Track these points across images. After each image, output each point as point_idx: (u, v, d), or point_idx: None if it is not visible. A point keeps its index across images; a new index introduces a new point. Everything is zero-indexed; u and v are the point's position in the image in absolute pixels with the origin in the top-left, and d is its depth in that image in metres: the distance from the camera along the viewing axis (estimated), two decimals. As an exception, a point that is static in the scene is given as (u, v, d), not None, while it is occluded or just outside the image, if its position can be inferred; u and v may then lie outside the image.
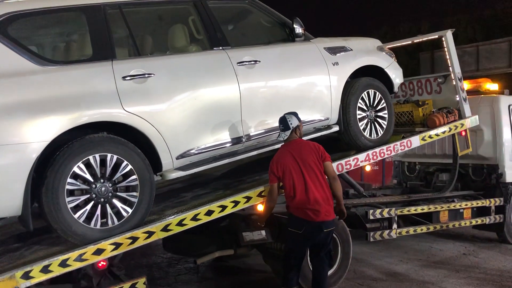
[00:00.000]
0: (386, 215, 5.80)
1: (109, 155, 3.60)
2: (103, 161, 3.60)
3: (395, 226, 5.86)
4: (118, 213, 3.69)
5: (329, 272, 4.67)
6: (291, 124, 4.26)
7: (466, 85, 7.06)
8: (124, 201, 3.71)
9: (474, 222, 6.86)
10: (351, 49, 5.26)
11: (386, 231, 5.80)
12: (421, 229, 6.25)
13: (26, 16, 3.58)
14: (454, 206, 6.58)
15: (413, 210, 6.16)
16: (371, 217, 5.68)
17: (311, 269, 4.45)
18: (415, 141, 5.69)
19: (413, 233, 6.20)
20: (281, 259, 4.52)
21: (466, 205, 6.67)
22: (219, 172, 5.95)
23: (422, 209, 6.24)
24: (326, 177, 4.26)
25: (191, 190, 5.17)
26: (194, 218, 4.00)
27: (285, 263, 4.32)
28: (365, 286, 5.41)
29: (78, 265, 3.46)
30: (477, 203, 6.80)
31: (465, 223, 6.74)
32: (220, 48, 4.36)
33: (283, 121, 4.29)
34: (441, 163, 7.72)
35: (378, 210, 5.73)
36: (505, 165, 7.10)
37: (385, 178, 7.08)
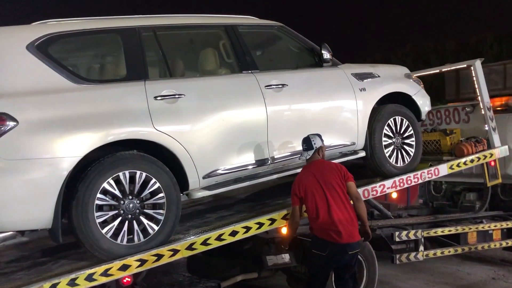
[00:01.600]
0: (412, 237, 5.67)
1: (138, 172, 3.69)
2: (132, 178, 3.68)
3: (421, 248, 5.72)
4: (144, 230, 3.74)
5: None
6: (314, 144, 4.27)
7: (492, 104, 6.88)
8: (150, 218, 3.77)
9: (504, 244, 6.59)
10: (379, 76, 5.29)
11: (413, 253, 5.66)
12: (449, 251, 6.06)
13: (66, 37, 3.76)
14: (483, 227, 6.37)
15: (440, 231, 6.01)
16: (397, 239, 5.56)
17: None
18: (443, 169, 5.62)
19: (441, 255, 6.00)
20: (305, 282, 4.46)
21: (495, 226, 6.45)
22: (243, 195, 5.99)
23: (450, 231, 6.07)
24: (350, 198, 4.23)
25: (215, 211, 5.19)
26: (219, 238, 4.01)
27: (309, 285, 4.26)
28: None
29: (104, 280, 3.49)
30: (507, 224, 6.56)
31: (495, 245, 6.50)
32: (249, 71, 4.45)
33: (307, 141, 4.31)
34: (468, 182, 7.46)
35: (404, 232, 5.61)
36: None
37: (411, 198, 6.92)
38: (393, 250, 5.54)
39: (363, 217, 4.25)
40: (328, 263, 4.15)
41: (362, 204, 4.30)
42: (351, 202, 4.24)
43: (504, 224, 6.54)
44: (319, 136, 4.34)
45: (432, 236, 6.01)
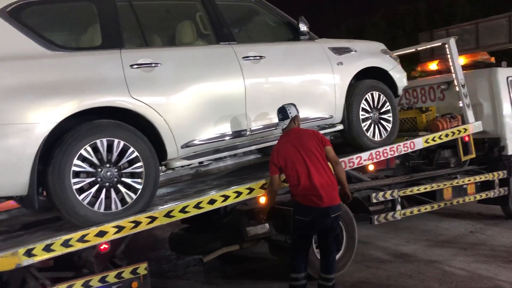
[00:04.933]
0: (389, 197, 5.73)
1: (116, 141, 3.67)
2: (110, 146, 3.66)
3: (399, 207, 5.79)
4: (122, 199, 3.73)
5: (337, 257, 4.67)
6: (290, 113, 4.30)
7: (462, 60, 7.01)
8: (128, 187, 3.76)
9: (478, 197, 6.72)
10: (356, 51, 5.34)
11: (390, 213, 5.73)
12: (425, 208, 6.15)
13: (39, 4, 3.70)
14: (457, 183, 6.47)
15: (415, 190, 6.08)
16: (374, 200, 5.63)
17: (319, 254, 4.44)
18: (418, 143, 5.75)
19: (418, 213, 6.10)
20: (287, 249, 4.51)
21: (469, 180, 6.56)
22: (223, 173, 6.02)
23: (425, 188, 6.17)
24: (329, 162, 4.28)
25: (194, 187, 5.21)
26: (197, 206, 4.02)
27: (293, 250, 4.32)
28: (373, 268, 5.39)
29: (80, 245, 3.48)
30: (480, 178, 6.68)
31: (469, 199, 6.62)
32: (227, 43, 4.45)
33: (282, 110, 4.33)
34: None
35: (381, 193, 5.67)
36: (507, 137, 6.93)
37: (390, 162, 6.97)
38: (370, 212, 5.61)
39: (343, 180, 4.32)
40: (312, 227, 4.21)
41: (341, 167, 4.37)
42: (330, 166, 4.29)
43: (478, 178, 6.65)
44: (294, 105, 4.37)
45: (409, 195, 6.08)
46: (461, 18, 19.48)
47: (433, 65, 7.55)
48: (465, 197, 6.56)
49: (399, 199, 5.84)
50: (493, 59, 7.55)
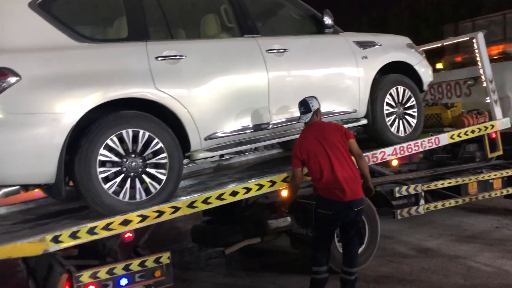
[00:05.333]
0: (412, 191, 5.64)
1: (141, 131, 3.72)
2: (135, 137, 3.72)
3: (422, 202, 5.70)
4: (146, 189, 3.79)
5: (359, 251, 4.65)
6: (312, 106, 4.27)
7: (489, 52, 6.78)
8: (152, 177, 3.81)
9: (505, 192, 6.54)
10: (380, 44, 5.28)
11: (414, 208, 5.64)
12: (450, 203, 6.01)
13: None
14: (483, 177, 6.32)
15: (440, 184, 5.96)
16: (397, 195, 5.55)
17: (342, 248, 4.42)
18: (443, 139, 5.63)
19: (442, 208, 5.98)
20: (308, 243, 4.51)
21: (495, 175, 6.39)
22: (244, 167, 6.04)
23: (450, 183, 6.04)
24: (352, 156, 4.25)
25: (216, 179, 5.24)
26: (219, 197, 4.05)
27: (315, 244, 4.31)
28: (395, 263, 5.34)
29: (105, 233, 3.54)
30: (507, 172, 6.51)
31: (496, 194, 6.45)
32: (250, 35, 4.46)
33: (304, 103, 4.29)
34: None
35: (404, 187, 5.59)
36: None
37: (413, 155, 6.85)
38: (393, 206, 5.54)
39: (366, 174, 4.29)
40: (334, 221, 4.19)
41: (364, 161, 4.33)
42: (353, 159, 4.27)
43: (504, 173, 6.48)
44: (315, 98, 4.34)
45: (433, 189, 5.98)
46: (488, 9, 18.91)
47: (458, 58, 7.40)
48: (491, 192, 6.38)
49: (423, 194, 5.74)
50: None
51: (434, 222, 6.92)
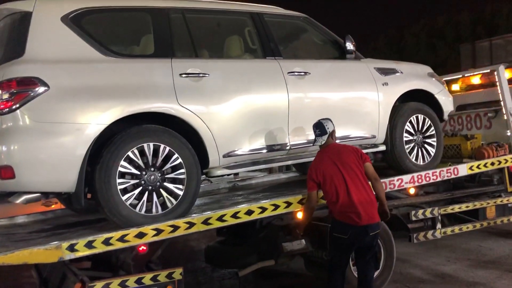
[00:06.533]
0: (429, 215, 5.56)
1: (162, 146, 3.79)
2: (155, 151, 3.78)
3: (439, 225, 5.61)
4: (163, 204, 3.82)
5: (375, 275, 4.54)
6: (328, 128, 4.26)
7: (508, 74, 6.72)
8: (170, 192, 3.85)
9: None
10: (402, 72, 5.32)
11: (430, 232, 5.55)
12: (467, 227, 5.91)
13: (99, 12, 3.93)
14: (501, 201, 6.20)
15: (457, 208, 5.87)
16: (414, 218, 5.47)
17: (357, 272, 4.35)
18: (462, 169, 5.59)
19: (459, 232, 5.89)
20: (323, 266, 4.45)
21: None
22: (259, 188, 6.04)
23: (467, 206, 5.94)
24: (368, 179, 4.23)
25: (231, 199, 5.25)
26: (234, 216, 4.05)
27: (331, 267, 4.25)
28: None
29: (120, 245, 3.55)
30: None
31: None
32: (273, 58, 4.53)
33: (320, 126, 4.29)
34: None
35: (421, 211, 5.50)
36: None
37: None
38: (409, 229, 5.46)
39: (382, 197, 4.24)
40: (350, 245, 4.14)
41: (380, 185, 4.29)
42: (369, 183, 4.24)
43: None
44: (330, 120, 4.33)
45: (450, 213, 5.89)
46: (504, 29, 18.87)
47: (475, 79, 7.34)
48: (509, 216, 6.28)
49: (440, 217, 5.66)
50: None
51: (451, 246, 6.80)
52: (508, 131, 6.23)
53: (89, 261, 4.45)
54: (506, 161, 5.97)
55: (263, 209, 4.22)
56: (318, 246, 4.77)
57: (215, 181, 7.00)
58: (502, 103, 6.31)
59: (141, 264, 4.23)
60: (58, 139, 3.45)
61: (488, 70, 6.72)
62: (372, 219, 4.05)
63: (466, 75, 7.33)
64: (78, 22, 3.76)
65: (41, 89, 3.42)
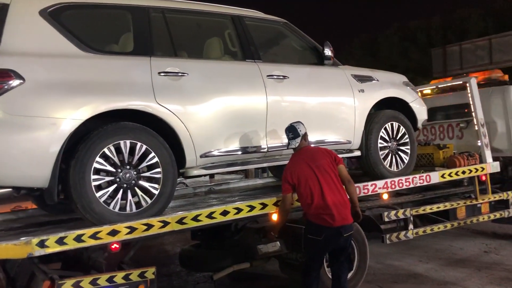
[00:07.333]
0: (401, 216, 5.63)
1: (138, 144, 3.76)
2: (132, 149, 3.75)
3: (411, 226, 5.69)
4: (137, 203, 3.79)
5: (348, 276, 4.58)
6: (300, 131, 4.29)
7: (476, 77, 6.96)
8: (145, 191, 3.81)
9: (492, 217, 6.54)
10: (378, 80, 5.43)
11: (403, 232, 5.62)
12: (438, 228, 6.01)
13: (78, 8, 3.89)
14: (471, 202, 6.33)
15: (428, 208, 5.97)
16: (386, 219, 5.53)
17: (331, 274, 4.38)
18: (435, 177, 5.70)
19: (431, 232, 6.00)
20: (298, 268, 4.46)
21: (483, 199, 6.39)
22: (235, 192, 6.04)
23: (438, 207, 6.05)
24: (341, 181, 4.28)
25: (207, 202, 5.23)
26: (210, 216, 4.03)
27: (305, 269, 4.26)
28: None
29: (92, 242, 3.49)
30: (495, 197, 6.53)
31: (483, 218, 6.44)
32: (252, 60, 4.57)
33: (292, 129, 4.31)
34: None
35: (393, 212, 5.57)
36: None
37: None
38: (382, 230, 5.53)
39: (355, 199, 4.29)
40: (324, 247, 4.17)
41: (353, 187, 4.34)
42: (343, 184, 4.29)
43: (492, 197, 6.50)
44: (301, 123, 4.36)
45: (422, 214, 5.99)
46: (474, 34, 19.53)
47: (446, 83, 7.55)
48: (479, 216, 6.40)
49: (412, 218, 5.75)
50: (506, 77, 7.58)
51: (423, 246, 6.94)
52: (479, 141, 6.40)
53: (59, 262, 4.36)
54: (477, 170, 6.13)
55: (239, 210, 4.22)
56: (292, 248, 4.79)
57: (191, 184, 7.00)
58: (473, 114, 6.48)
59: (114, 265, 4.16)
60: (33, 133, 3.39)
61: (461, 82, 6.90)
62: (345, 220, 4.10)
63: (439, 86, 7.52)
64: (57, 16, 3.72)
65: (16, 82, 3.35)
